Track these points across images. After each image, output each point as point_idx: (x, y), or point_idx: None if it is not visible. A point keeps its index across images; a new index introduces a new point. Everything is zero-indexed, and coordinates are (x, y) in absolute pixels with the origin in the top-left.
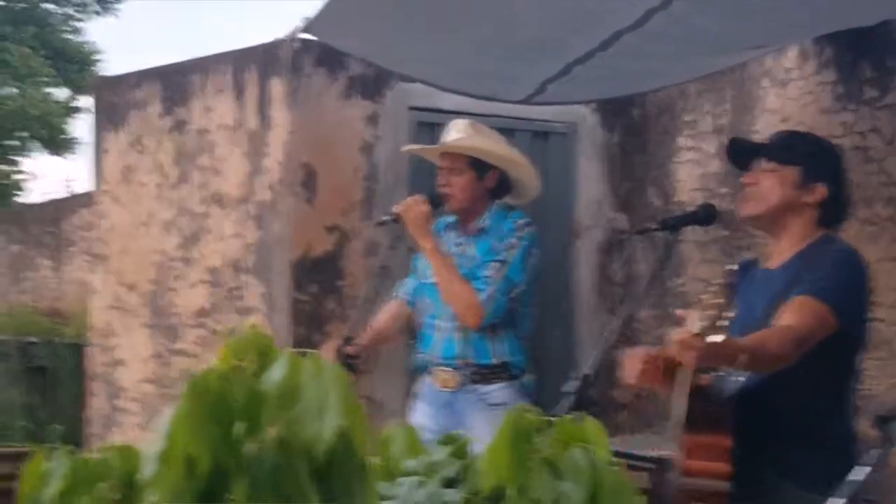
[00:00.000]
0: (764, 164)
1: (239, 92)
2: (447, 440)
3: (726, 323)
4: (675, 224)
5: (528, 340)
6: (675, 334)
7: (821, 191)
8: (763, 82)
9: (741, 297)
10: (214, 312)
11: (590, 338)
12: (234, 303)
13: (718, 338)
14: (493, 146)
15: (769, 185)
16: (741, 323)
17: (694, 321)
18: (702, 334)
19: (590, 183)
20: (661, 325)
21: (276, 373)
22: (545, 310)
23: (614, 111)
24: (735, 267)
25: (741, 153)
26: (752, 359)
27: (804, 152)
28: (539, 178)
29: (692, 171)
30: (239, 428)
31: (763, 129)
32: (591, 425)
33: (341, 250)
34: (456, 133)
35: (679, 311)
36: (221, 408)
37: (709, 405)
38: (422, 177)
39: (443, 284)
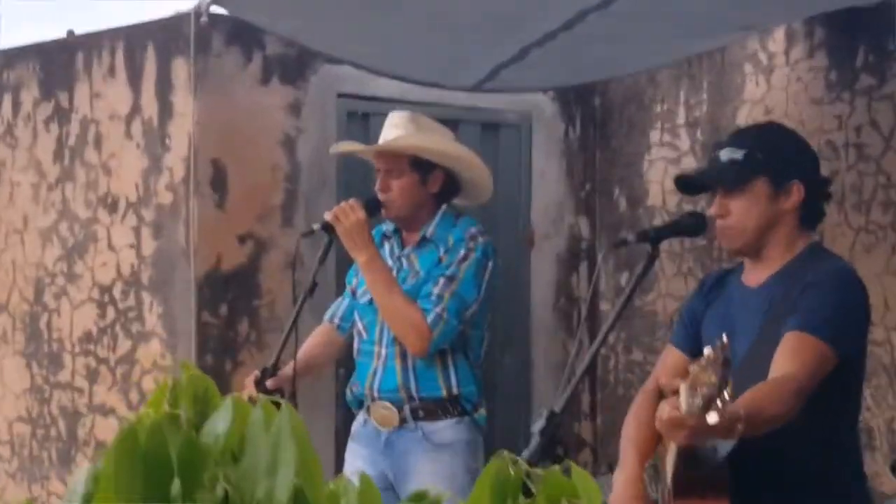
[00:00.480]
0: (722, 192)
1: (134, 74)
2: (417, 498)
3: (726, 401)
4: (657, 235)
5: (480, 368)
6: (663, 411)
7: (797, 190)
8: (745, 68)
9: (715, 316)
10: (104, 338)
11: (546, 364)
12: (127, 326)
13: (714, 417)
14: (438, 143)
15: (740, 210)
16: None
17: (683, 396)
18: (695, 412)
19: (547, 183)
20: (629, 352)
21: (219, 422)
22: (495, 332)
23: (575, 100)
24: (725, 340)
25: (695, 187)
26: (751, 426)
27: (766, 155)
28: (491, 177)
29: (665, 169)
30: (176, 488)
31: (745, 121)
32: (582, 478)
33: (257, 263)
34: (393, 129)
35: (663, 380)
36: (155, 464)
37: (701, 470)
38: (354, 176)
39: (382, 303)
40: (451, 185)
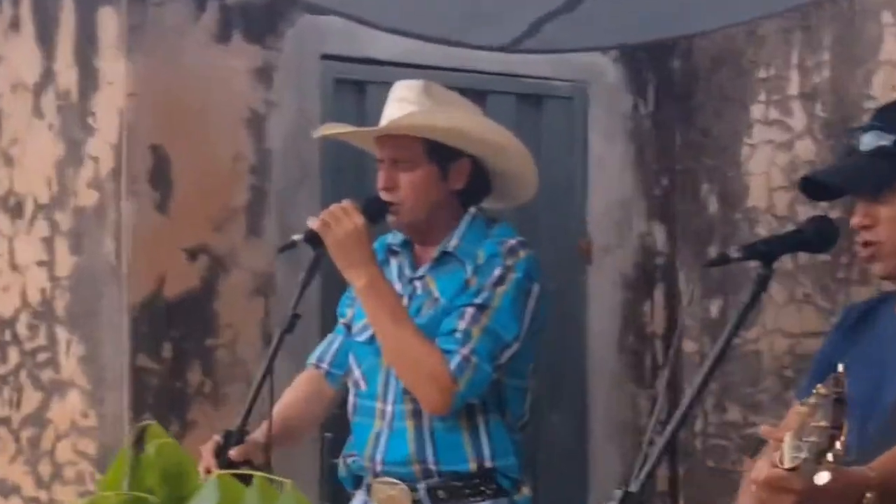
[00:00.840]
0: (868, 195)
1: (44, 29)
2: None
3: (839, 453)
4: (771, 250)
5: (521, 432)
6: (761, 470)
7: None
8: (882, 17)
9: (859, 357)
10: (3, 389)
11: (609, 425)
12: (36, 374)
13: (825, 477)
14: (464, 121)
15: (891, 220)
16: (861, 401)
17: (787, 448)
18: (801, 469)
19: (609, 176)
20: (723, 409)
21: None
22: (541, 381)
23: (647, 63)
24: (840, 370)
25: (826, 192)
26: (887, 495)
27: None
28: (535, 169)
29: (772, 157)
30: None
31: (882, 90)
32: None
33: (213, 287)
34: (401, 104)
35: (764, 428)
36: None
37: None
38: (345, 168)
39: (387, 342)
40: (480, 179)
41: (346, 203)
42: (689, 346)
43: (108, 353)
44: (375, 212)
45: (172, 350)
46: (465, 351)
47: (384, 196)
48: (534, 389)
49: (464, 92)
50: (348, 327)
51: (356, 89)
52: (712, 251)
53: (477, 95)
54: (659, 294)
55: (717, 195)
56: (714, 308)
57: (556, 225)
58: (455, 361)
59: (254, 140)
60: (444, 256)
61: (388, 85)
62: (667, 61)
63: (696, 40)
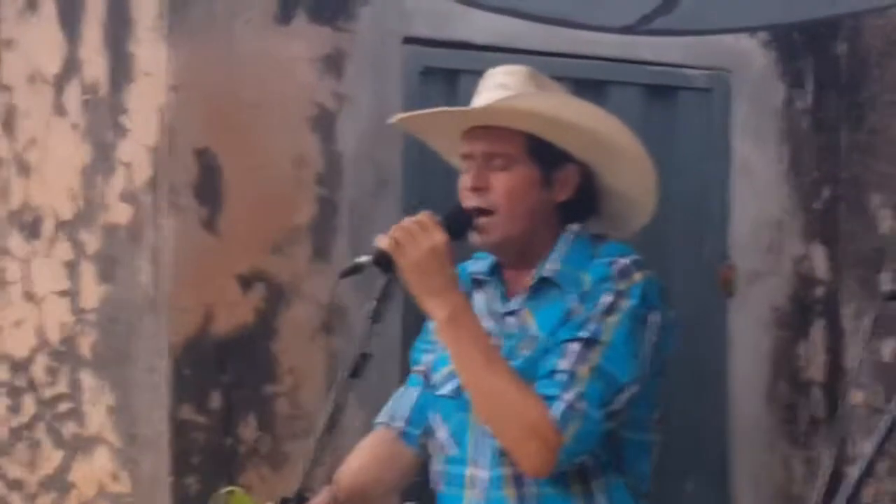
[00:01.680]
0: None
1: (69, 10)
2: None
3: None
4: None
5: (647, 498)
6: None
7: None
8: None
9: None
10: (16, 446)
11: (757, 496)
12: (56, 427)
13: None
14: (577, 114)
15: None
16: None
17: None
18: None
19: (756, 185)
20: None
21: None
22: (670, 437)
23: (805, 48)
24: None
25: None
26: None
27: None
28: (657, 179)
29: None
30: None
31: None
32: None
33: (271, 322)
34: (498, 90)
35: None
36: None
37: None
38: (434, 175)
39: (479, 391)
40: (587, 193)
41: (422, 216)
42: (857, 396)
43: (143, 402)
44: (460, 226)
45: (222, 399)
46: (569, 396)
47: (471, 201)
48: (660, 445)
49: (578, 83)
50: (426, 376)
51: (446, 79)
52: (885, 279)
53: (594, 87)
54: (818, 332)
55: (891, 209)
56: (887, 350)
57: (690, 248)
58: (559, 409)
59: (321, 142)
60: (542, 284)
61: (479, 75)
62: (829, 45)
63: (867, 19)
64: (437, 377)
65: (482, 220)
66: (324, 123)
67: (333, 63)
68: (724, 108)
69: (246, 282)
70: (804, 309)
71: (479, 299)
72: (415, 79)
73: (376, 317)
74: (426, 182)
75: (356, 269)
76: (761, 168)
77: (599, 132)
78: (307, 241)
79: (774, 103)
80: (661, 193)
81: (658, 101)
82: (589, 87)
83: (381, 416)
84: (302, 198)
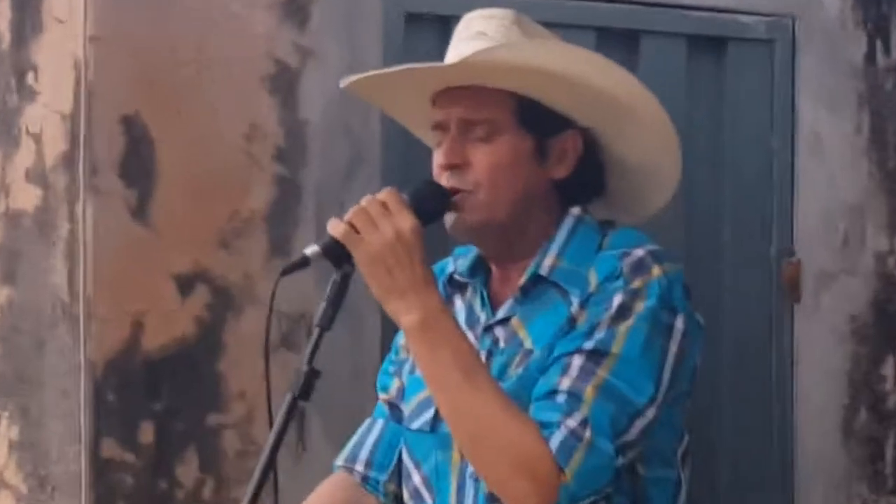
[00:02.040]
0: None
1: None
2: None
3: None
4: None
5: None
6: None
7: None
8: None
9: None
10: None
11: None
12: None
13: None
14: (578, 67)
15: None
16: None
17: None
18: None
19: (829, 164)
20: None
21: None
22: (720, 473)
23: None
24: None
25: None
26: None
27: None
28: (678, 153)
29: None
30: None
31: None
32: None
33: (217, 335)
34: (477, 40)
35: None
36: None
37: None
38: (418, 153)
39: (459, 417)
40: (593, 168)
41: (385, 193)
42: None
43: (54, 436)
44: (433, 206)
45: (155, 432)
46: (572, 422)
47: (445, 180)
48: (691, 484)
49: (602, 33)
50: (393, 406)
51: (436, 27)
52: None
53: (623, 38)
54: None
55: None
56: None
57: (744, 242)
58: (559, 439)
59: (280, 108)
60: (537, 283)
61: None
62: None
63: None
64: (408, 407)
65: (460, 197)
66: (283, 84)
67: (295, 8)
68: (788, 64)
69: (185, 284)
70: (889, 318)
71: (460, 306)
72: (398, 27)
73: (326, 323)
74: (412, 158)
75: (301, 264)
76: (835, 141)
77: (606, 89)
78: (262, 232)
79: (851, 59)
80: (707, 173)
81: (704, 55)
82: (616, 39)
83: (341, 458)
84: (256, 178)
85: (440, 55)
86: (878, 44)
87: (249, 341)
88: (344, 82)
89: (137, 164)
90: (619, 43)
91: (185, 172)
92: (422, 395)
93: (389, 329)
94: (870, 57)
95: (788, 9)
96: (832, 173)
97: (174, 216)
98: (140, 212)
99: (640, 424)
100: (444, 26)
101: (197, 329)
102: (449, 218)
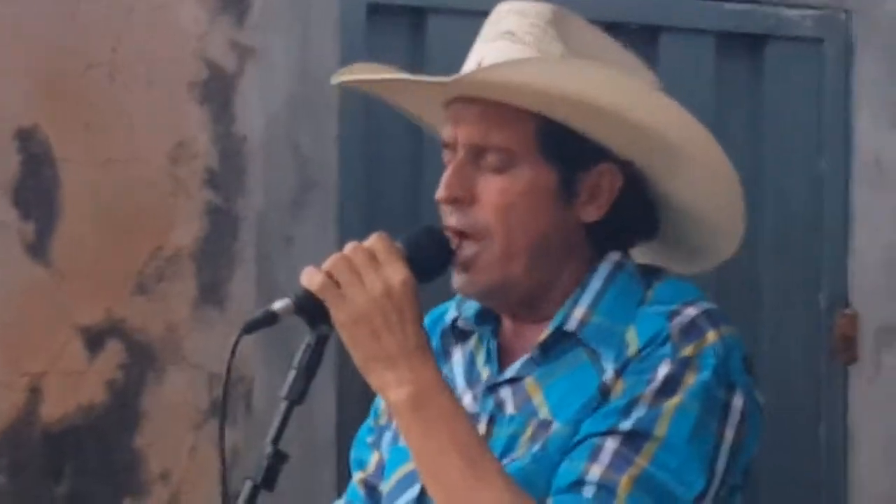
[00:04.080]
0: None
1: None
2: None
3: None
4: None
5: None
6: None
7: None
8: None
9: None
10: None
11: None
12: None
13: None
14: (624, 97)
15: None
16: None
17: None
18: None
19: (890, 192)
20: None
21: None
22: None
23: None
24: None
25: None
26: None
27: None
28: (741, 198)
29: None
30: None
31: None
32: None
33: (133, 401)
34: (508, 42)
35: None
36: None
37: None
38: (392, 170)
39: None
40: (634, 207)
41: (375, 240)
42: None
43: None
44: (434, 257)
45: None
46: None
47: (448, 219)
48: None
49: (618, 28)
50: (370, 487)
51: (405, 23)
52: None
53: (644, 36)
54: None
55: None
56: None
57: (788, 289)
58: None
59: (213, 122)
60: (561, 340)
61: (463, 17)
62: None
63: None
64: (387, 485)
65: (466, 251)
66: (217, 92)
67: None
68: (841, 68)
69: (95, 339)
70: None
71: (458, 359)
72: (358, 21)
73: (296, 396)
74: (377, 184)
75: (267, 321)
76: None
77: (654, 126)
78: (190, 275)
79: None
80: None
81: (737, 56)
82: (632, 36)
83: None
84: (183, 208)
85: (409, 55)
86: None
87: (174, 410)
88: (335, 79)
89: (36, 189)
90: (634, 40)
91: (95, 200)
92: (404, 469)
93: (348, 398)
94: None
95: (845, 2)
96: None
97: (81, 254)
98: (39, 248)
99: None
100: (413, 20)
101: (109, 395)
102: (457, 280)
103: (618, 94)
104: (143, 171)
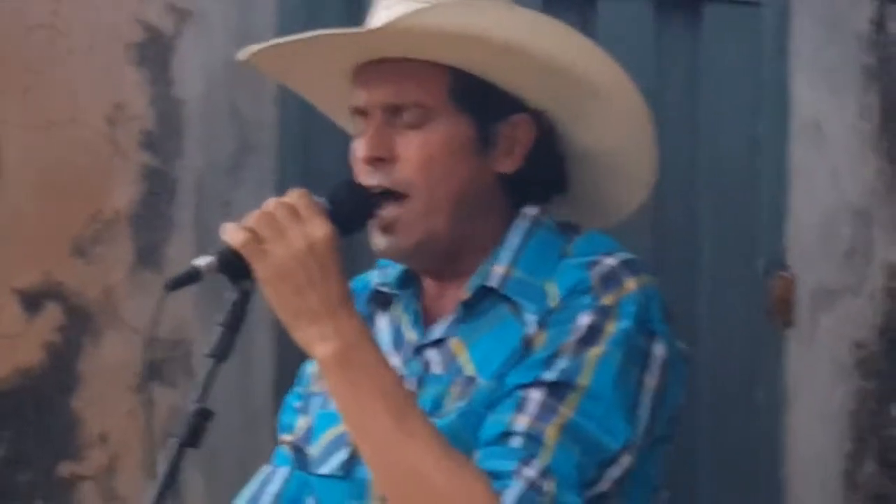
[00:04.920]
0: None
1: None
2: None
3: None
4: None
5: None
6: None
7: None
8: None
9: None
10: None
11: None
12: None
13: None
14: (531, 34)
15: None
16: None
17: None
18: None
19: (830, 159)
20: None
21: None
22: None
23: None
24: None
25: None
26: None
27: None
28: (653, 143)
29: None
30: None
31: None
32: None
33: (71, 364)
34: (406, 3)
35: None
36: None
37: None
38: (325, 138)
39: (383, 467)
40: (549, 157)
41: (296, 195)
42: None
43: None
44: (355, 211)
45: None
46: (531, 472)
47: (368, 178)
48: None
49: None
50: (299, 450)
51: None
52: None
53: (582, 1)
54: None
55: None
56: None
57: (725, 252)
58: (514, 492)
59: (150, 84)
60: (484, 297)
61: None
62: None
63: None
64: (316, 448)
65: (388, 213)
66: (155, 55)
67: None
68: (779, 31)
69: (32, 301)
70: (857, 359)
71: (385, 324)
72: None
73: (221, 353)
74: (316, 146)
75: (190, 279)
76: (837, 128)
77: (563, 63)
78: (127, 238)
79: (857, 26)
80: (680, 167)
81: (678, 19)
82: (574, 1)
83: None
84: (120, 171)
85: (346, 18)
86: (889, 6)
87: (112, 373)
88: (240, 55)
89: None
90: (572, 5)
91: (32, 164)
92: (333, 431)
93: (286, 359)
94: (878, 23)
95: None
96: (833, 169)
97: (18, 218)
98: None
99: (613, 474)
100: None
101: (46, 357)
102: (379, 242)
103: (526, 30)
104: (81, 134)
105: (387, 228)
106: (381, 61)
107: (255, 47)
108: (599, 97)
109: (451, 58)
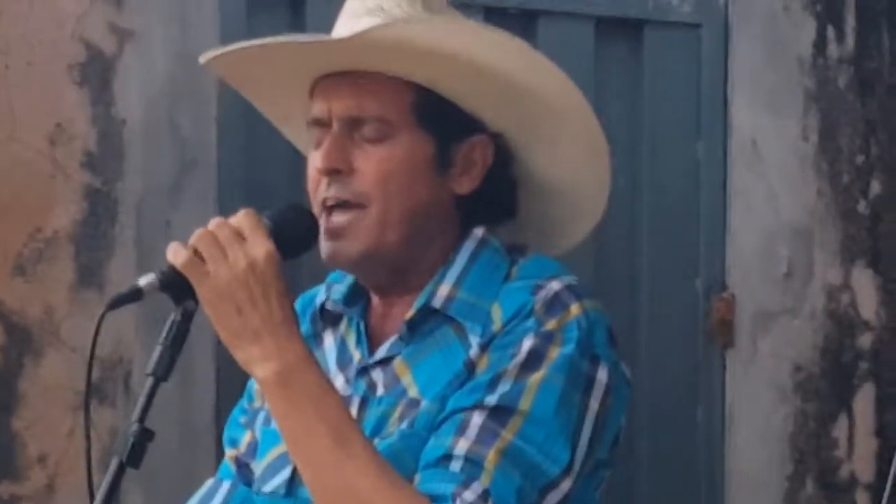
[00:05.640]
0: None
1: None
2: None
3: None
4: None
5: None
6: None
7: None
8: None
9: None
10: None
11: None
12: None
13: None
14: (499, 53)
15: None
16: None
17: None
18: None
19: (769, 180)
20: None
21: None
22: None
23: None
24: None
25: None
26: None
27: None
28: (607, 171)
29: None
30: None
31: None
32: None
33: (10, 384)
34: (369, 16)
35: None
36: None
37: None
38: (265, 158)
39: (323, 489)
40: (503, 182)
41: (241, 216)
42: None
43: None
44: (299, 232)
45: None
46: (470, 495)
47: (325, 191)
48: None
49: (495, 13)
50: (243, 466)
51: (287, 7)
52: None
53: (519, 20)
54: (862, 404)
55: None
56: None
57: (665, 272)
58: None
59: (91, 104)
60: (428, 318)
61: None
62: None
63: None
64: (260, 466)
65: (337, 219)
66: (96, 74)
67: None
68: (719, 53)
69: None
70: (842, 368)
71: (329, 344)
72: (238, 5)
73: (161, 373)
74: (257, 166)
75: (132, 297)
76: (776, 150)
77: (525, 84)
78: (68, 257)
79: (797, 48)
80: (620, 187)
81: (615, 42)
82: (509, 20)
83: None
84: (61, 190)
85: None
86: (830, 30)
87: (52, 393)
88: (203, 57)
89: None
90: (513, 25)
91: None
92: (277, 450)
93: (228, 379)
94: (819, 46)
95: None
96: (773, 190)
97: None
98: None
99: (552, 499)
100: (293, 2)
101: None
102: (326, 247)
103: (491, 48)
104: (21, 153)
105: (335, 234)
106: (344, 73)
107: (221, 49)
108: (558, 122)
109: (418, 74)
